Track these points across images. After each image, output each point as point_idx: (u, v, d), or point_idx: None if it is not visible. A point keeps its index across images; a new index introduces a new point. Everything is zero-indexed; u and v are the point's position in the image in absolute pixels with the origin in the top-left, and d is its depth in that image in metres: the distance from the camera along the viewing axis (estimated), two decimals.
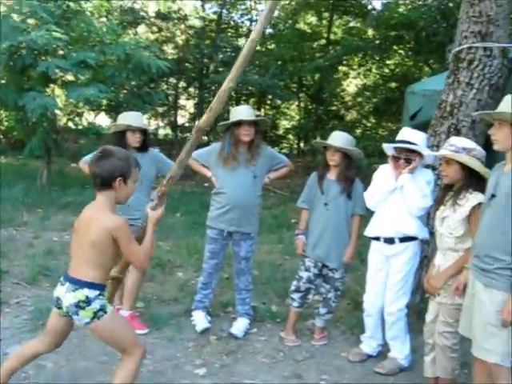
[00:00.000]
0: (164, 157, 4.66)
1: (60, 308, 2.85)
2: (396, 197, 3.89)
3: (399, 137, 3.91)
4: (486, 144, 4.31)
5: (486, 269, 2.88)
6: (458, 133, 4.55)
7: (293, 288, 4.37)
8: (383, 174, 4.01)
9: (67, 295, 2.79)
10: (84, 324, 2.81)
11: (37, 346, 3.06)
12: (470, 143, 3.35)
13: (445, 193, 3.48)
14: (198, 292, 4.59)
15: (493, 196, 2.92)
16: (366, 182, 4.32)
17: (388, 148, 3.97)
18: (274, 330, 4.60)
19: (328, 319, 4.48)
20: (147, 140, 4.50)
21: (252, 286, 4.60)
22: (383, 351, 4.17)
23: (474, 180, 3.27)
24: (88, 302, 2.76)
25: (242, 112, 4.30)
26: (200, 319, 4.47)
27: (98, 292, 2.80)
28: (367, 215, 4.28)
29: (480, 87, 4.54)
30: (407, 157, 3.82)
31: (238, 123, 4.21)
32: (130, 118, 4.40)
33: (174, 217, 9.14)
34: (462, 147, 3.28)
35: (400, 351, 4.01)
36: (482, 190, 3.22)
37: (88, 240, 2.78)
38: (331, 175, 4.27)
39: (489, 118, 3.05)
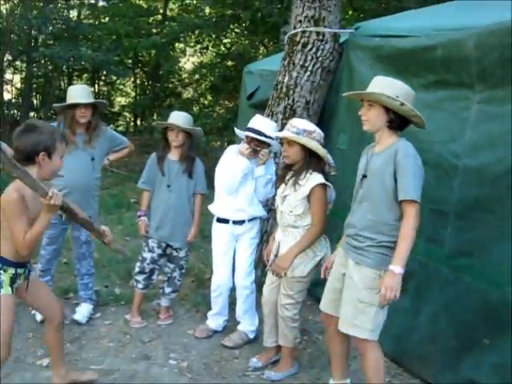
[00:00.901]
0: None
1: None
2: (246, 181, 3.95)
3: (250, 124, 3.92)
4: (318, 124, 4.59)
5: (358, 246, 2.97)
6: (293, 113, 4.76)
7: (137, 270, 4.31)
8: (232, 156, 4.00)
9: None
10: None
11: None
12: (310, 125, 3.47)
13: (285, 172, 3.61)
14: None
15: (364, 177, 3.01)
16: (206, 159, 4.36)
17: (239, 133, 4.02)
18: (119, 313, 4.52)
19: (173, 298, 4.50)
20: None
21: (94, 269, 4.46)
22: (229, 326, 4.30)
23: (313, 160, 3.43)
24: None
25: (78, 93, 4.10)
26: None
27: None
28: (208, 193, 4.34)
29: (313, 70, 4.77)
30: (257, 146, 3.86)
31: (74, 105, 4.03)
32: None
33: None
34: (302, 129, 3.39)
35: (251, 323, 4.17)
36: (321, 171, 3.42)
37: None
38: (172, 156, 4.24)
39: (357, 97, 3.09)
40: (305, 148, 3.39)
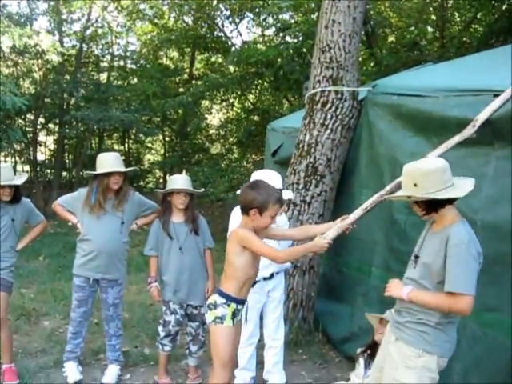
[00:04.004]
0: (34, 208, 4.53)
1: None
2: None
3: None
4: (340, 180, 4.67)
5: (399, 321, 2.85)
6: (315, 171, 4.84)
7: (162, 334, 4.31)
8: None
9: None
10: None
11: None
12: None
13: None
14: (68, 342, 4.41)
15: (416, 257, 2.85)
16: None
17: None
18: (149, 373, 4.54)
19: (200, 355, 4.46)
20: (19, 192, 4.28)
21: (122, 331, 4.52)
22: None
23: None
24: None
25: (111, 161, 4.24)
26: (72, 371, 4.30)
27: None
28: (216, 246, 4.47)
29: (333, 127, 4.88)
30: None
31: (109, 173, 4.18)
32: None
33: (36, 261, 8.74)
34: None
35: (280, 378, 4.20)
36: None
37: None
38: (177, 218, 4.27)
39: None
40: None
